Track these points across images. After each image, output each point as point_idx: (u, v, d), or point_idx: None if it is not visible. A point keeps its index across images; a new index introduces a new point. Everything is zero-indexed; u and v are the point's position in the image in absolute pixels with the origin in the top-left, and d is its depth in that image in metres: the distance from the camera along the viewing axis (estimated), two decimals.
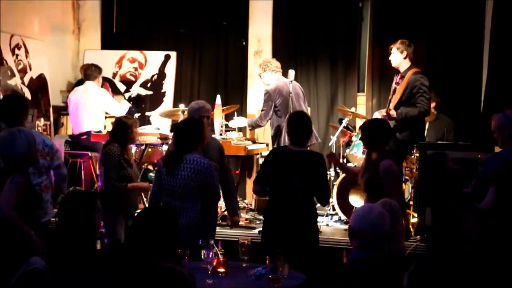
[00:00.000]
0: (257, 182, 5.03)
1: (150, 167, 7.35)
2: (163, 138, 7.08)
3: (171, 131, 5.23)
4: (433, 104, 7.38)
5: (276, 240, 4.72)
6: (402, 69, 6.45)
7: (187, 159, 4.68)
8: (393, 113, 6.23)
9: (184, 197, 4.68)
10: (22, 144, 4.24)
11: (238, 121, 7.37)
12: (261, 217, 7.13)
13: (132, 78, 8.85)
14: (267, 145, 7.75)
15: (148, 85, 8.82)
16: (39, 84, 8.23)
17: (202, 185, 4.70)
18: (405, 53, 6.41)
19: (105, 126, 7.76)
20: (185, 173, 4.66)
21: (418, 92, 6.24)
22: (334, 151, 7.31)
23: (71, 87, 8.55)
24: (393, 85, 6.57)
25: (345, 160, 7.28)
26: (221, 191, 5.33)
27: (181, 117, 7.31)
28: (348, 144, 7.30)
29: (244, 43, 8.91)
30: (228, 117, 7.56)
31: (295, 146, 4.86)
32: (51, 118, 8.34)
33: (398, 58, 6.45)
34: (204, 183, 4.70)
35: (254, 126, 7.21)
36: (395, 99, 6.37)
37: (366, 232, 3.07)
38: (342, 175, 6.98)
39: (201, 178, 4.67)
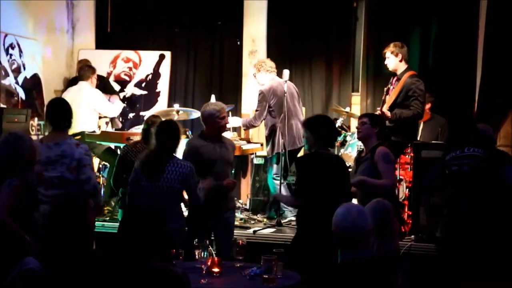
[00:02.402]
0: (299, 196, 4.72)
1: None
2: None
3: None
4: (428, 105, 7.40)
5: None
6: (399, 72, 6.45)
7: (171, 162, 4.73)
8: (387, 113, 6.24)
9: (168, 200, 4.70)
10: (24, 147, 4.22)
11: (232, 121, 7.36)
12: (255, 216, 7.14)
13: (127, 78, 8.83)
14: (262, 145, 7.75)
15: (143, 85, 8.80)
16: (33, 84, 8.20)
17: (185, 189, 4.81)
18: (400, 55, 6.41)
19: (99, 126, 7.75)
20: (170, 176, 4.70)
21: (413, 96, 6.25)
22: None
23: (65, 87, 8.53)
24: (388, 85, 6.56)
25: None
26: None
27: (176, 117, 7.31)
28: (343, 144, 7.30)
29: (238, 43, 8.91)
30: None
31: (326, 150, 4.79)
32: None
33: (394, 61, 6.44)
34: (187, 187, 4.80)
35: (248, 126, 7.20)
36: (390, 100, 6.38)
37: (348, 233, 3.07)
38: None
39: (185, 181, 4.74)
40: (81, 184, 4.63)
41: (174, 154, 4.82)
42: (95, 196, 4.75)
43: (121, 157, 5.77)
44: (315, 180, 4.61)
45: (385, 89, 6.55)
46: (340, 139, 7.26)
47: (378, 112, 6.38)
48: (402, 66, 6.43)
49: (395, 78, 6.48)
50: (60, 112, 4.86)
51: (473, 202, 4.78)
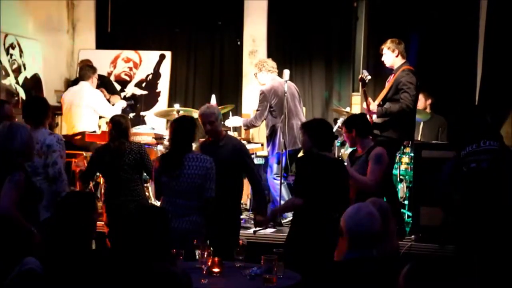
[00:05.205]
0: (301, 195, 4.67)
1: None
2: (158, 138, 7.06)
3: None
4: (428, 101, 7.41)
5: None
6: (395, 67, 6.43)
7: (188, 157, 4.72)
8: (373, 107, 6.19)
9: (190, 195, 4.71)
10: (19, 138, 4.22)
11: (233, 121, 7.37)
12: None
13: (127, 78, 8.84)
14: (262, 145, 7.75)
15: (143, 85, 8.81)
16: (34, 84, 8.22)
17: (204, 182, 4.74)
18: (396, 51, 6.36)
19: (99, 126, 7.75)
20: (190, 172, 4.69)
21: (402, 89, 6.12)
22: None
23: (65, 87, 8.54)
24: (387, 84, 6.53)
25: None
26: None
27: (176, 117, 7.30)
28: (343, 144, 7.30)
29: (239, 43, 8.91)
30: (224, 117, 7.55)
31: (327, 152, 4.76)
32: None
33: (391, 57, 6.39)
34: (207, 180, 4.74)
35: (249, 126, 7.20)
36: (381, 95, 6.31)
37: (354, 232, 3.05)
38: None
39: (205, 175, 4.71)
40: (46, 167, 4.79)
41: (190, 149, 4.79)
42: (54, 182, 4.88)
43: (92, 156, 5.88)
44: (314, 181, 4.60)
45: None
46: (340, 139, 7.25)
47: (364, 106, 6.30)
48: (399, 61, 6.36)
49: (392, 75, 6.45)
50: (38, 109, 4.94)
51: (492, 202, 4.70)
